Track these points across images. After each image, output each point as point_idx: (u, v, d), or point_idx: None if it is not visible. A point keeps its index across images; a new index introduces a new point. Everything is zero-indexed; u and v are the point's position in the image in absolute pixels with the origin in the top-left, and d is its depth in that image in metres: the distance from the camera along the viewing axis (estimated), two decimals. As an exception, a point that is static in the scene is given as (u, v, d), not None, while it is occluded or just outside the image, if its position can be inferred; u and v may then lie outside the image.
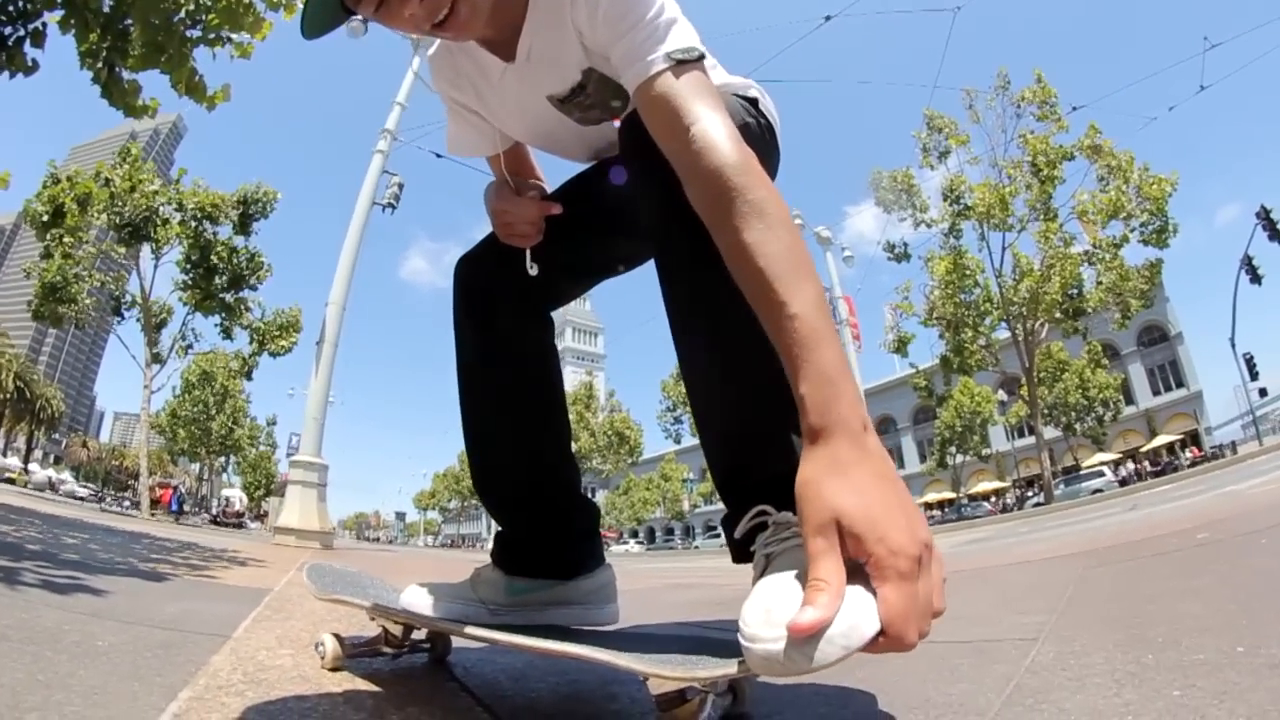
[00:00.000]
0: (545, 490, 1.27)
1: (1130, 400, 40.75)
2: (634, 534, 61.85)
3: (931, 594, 0.61)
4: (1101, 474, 28.56)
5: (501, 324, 1.28)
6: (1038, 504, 23.32)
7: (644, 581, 4.85)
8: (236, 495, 38.52)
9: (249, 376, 24.62)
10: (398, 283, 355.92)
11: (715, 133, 0.79)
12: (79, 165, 20.61)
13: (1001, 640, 1.43)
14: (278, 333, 21.63)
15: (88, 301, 20.02)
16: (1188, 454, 34.59)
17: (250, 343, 21.81)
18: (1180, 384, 41.15)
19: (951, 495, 41.86)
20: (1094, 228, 20.16)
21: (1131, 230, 19.71)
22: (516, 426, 1.27)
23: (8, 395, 42.16)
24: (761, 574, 0.75)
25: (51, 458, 65.68)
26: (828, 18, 12.54)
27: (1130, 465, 33.71)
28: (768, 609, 0.62)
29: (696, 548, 42.48)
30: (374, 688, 1.13)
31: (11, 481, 22.15)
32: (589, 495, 1.35)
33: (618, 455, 46.43)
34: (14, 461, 36.96)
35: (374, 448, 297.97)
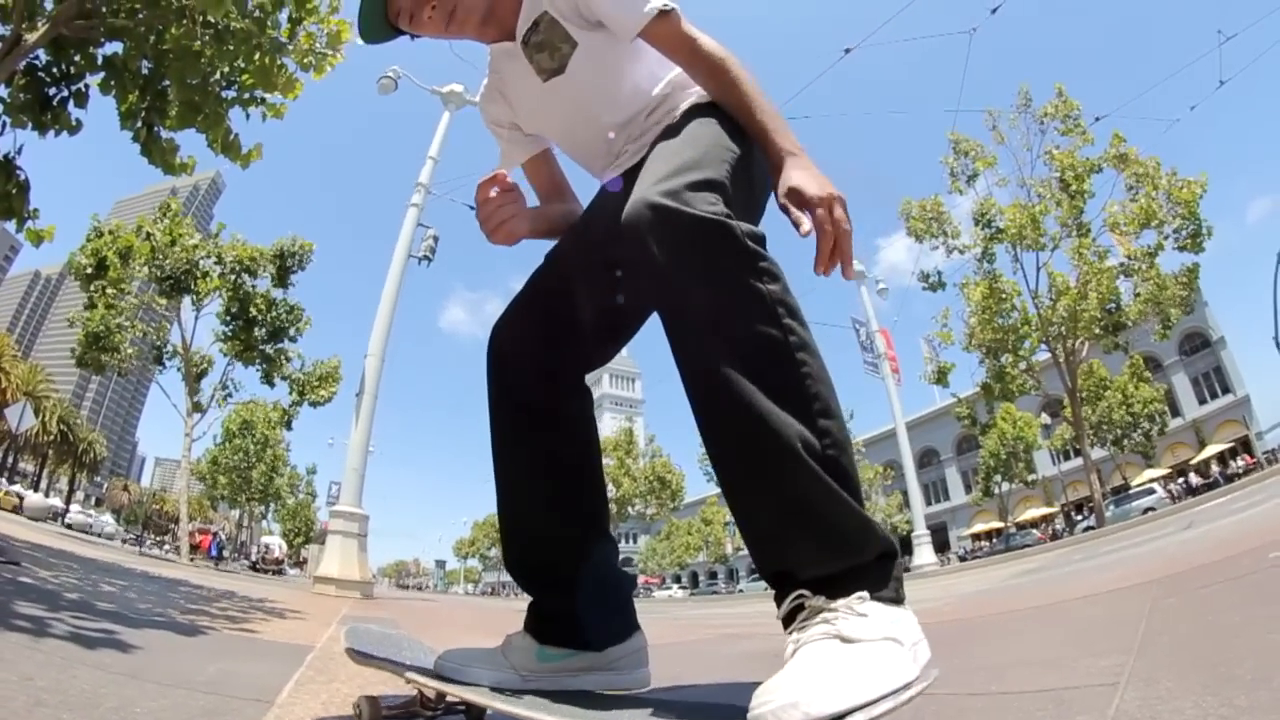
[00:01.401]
0: (580, 568, 1.23)
1: (1176, 412, 39.24)
2: (676, 579, 61.15)
3: (842, 218, 1.02)
4: (1152, 491, 27.51)
5: (533, 393, 1.25)
6: (1088, 528, 22.54)
7: (695, 633, 4.70)
8: (276, 542, 38.53)
9: (289, 426, 25.01)
10: (437, 333, 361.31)
11: (709, 44, 1.20)
12: (122, 219, 21.29)
13: (1079, 687, 1.35)
14: (317, 383, 21.97)
15: (130, 351, 20.55)
16: (1240, 461, 33.32)
17: (290, 393, 22.17)
18: (1226, 390, 39.66)
19: (999, 525, 40.62)
20: (1127, 239, 19.76)
21: (1165, 238, 19.26)
22: (549, 502, 1.24)
23: (52, 438, 43.21)
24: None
25: (93, 500, 67.02)
26: (847, 50, 12.60)
27: (1194, 477, 32.32)
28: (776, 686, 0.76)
29: (740, 591, 41.60)
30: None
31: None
32: (629, 539, 1.32)
33: (659, 499, 45.90)
34: (56, 501, 37.68)
35: (414, 496, 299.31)
